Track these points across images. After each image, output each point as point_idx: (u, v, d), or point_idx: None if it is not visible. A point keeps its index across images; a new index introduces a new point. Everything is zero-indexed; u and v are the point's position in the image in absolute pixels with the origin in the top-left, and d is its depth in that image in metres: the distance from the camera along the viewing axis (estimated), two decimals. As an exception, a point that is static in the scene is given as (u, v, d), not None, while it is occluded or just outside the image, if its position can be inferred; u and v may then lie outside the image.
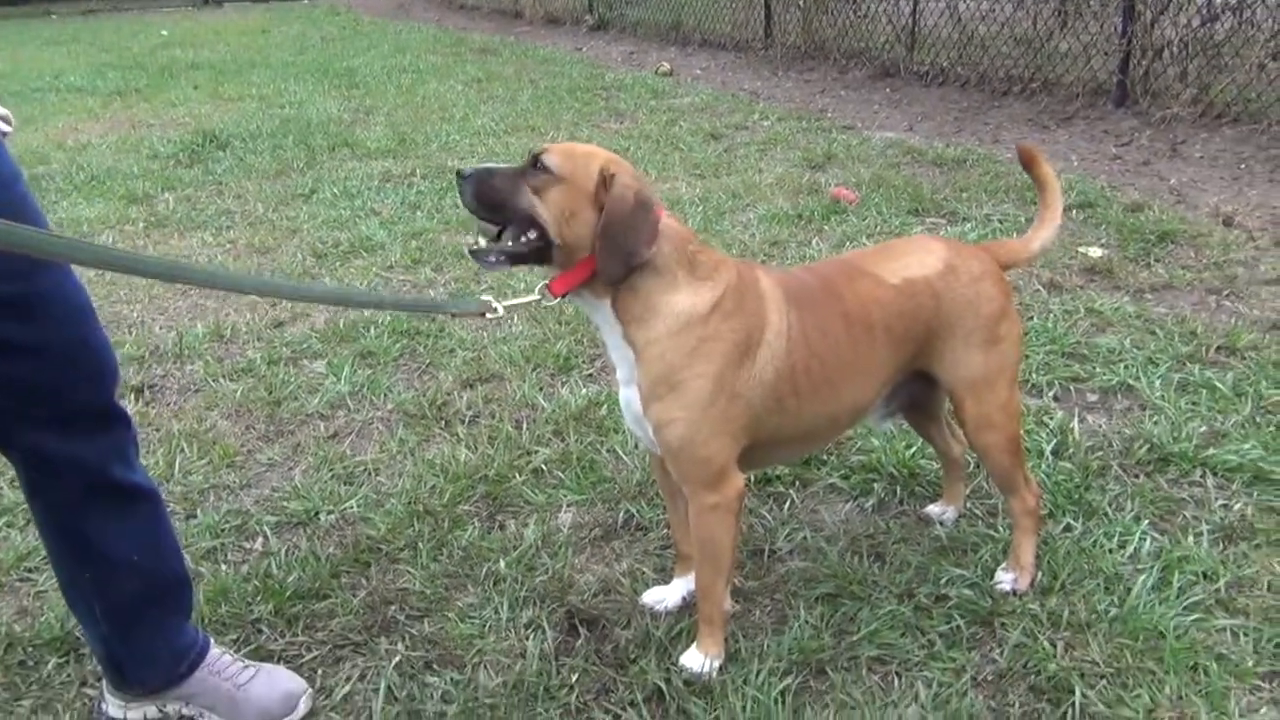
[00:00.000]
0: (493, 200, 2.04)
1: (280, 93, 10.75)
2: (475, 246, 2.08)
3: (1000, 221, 5.22)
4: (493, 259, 2.07)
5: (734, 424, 2.12)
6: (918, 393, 2.55)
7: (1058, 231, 2.54)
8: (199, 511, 3.06)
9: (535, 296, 2.12)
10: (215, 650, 2.31)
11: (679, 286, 2.07)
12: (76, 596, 2.16)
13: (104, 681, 2.28)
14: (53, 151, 8.07)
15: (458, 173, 2.07)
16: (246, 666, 2.30)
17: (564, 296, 2.09)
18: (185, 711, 2.27)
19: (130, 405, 3.69)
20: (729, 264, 2.16)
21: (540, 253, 2.05)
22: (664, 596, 2.55)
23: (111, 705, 2.28)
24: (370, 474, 3.24)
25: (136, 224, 6.14)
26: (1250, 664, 2.24)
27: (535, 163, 2.03)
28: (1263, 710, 2.12)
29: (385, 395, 3.76)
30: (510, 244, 2.05)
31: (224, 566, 2.80)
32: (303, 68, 12.67)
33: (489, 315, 2.18)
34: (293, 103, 10.11)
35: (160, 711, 2.27)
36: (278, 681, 2.29)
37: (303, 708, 2.27)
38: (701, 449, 2.11)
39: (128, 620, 2.16)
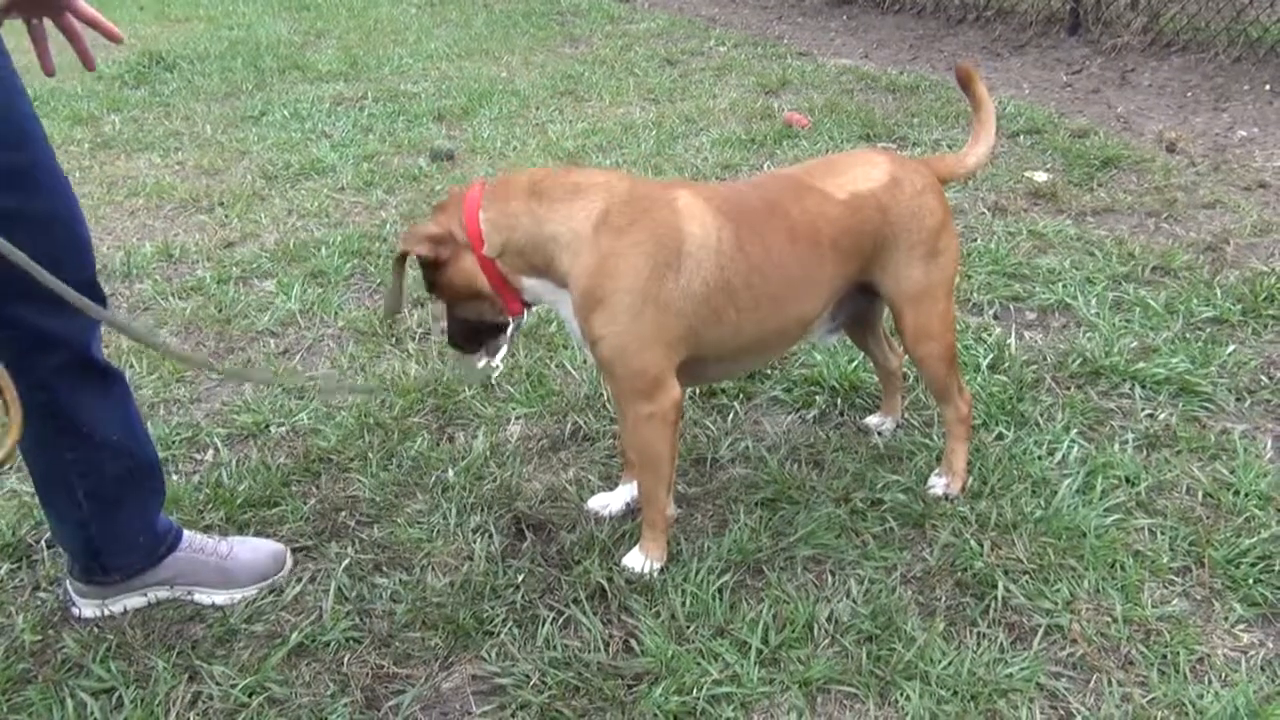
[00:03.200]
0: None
1: (228, 14, 10.53)
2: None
3: (949, 146, 5.27)
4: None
5: (667, 335, 2.16)
6: (860, 307, 2.61)
7: (991, 148, 2.59)
8: (149, 424, 3.06)
9: (509, 343, 2.39)
10: (188, 533, 2.38)
11: (547, 221, 2.14)
12: (56, 483, 2.17)
13: (70, 584, 2.31)
14: (-7, 71, 7.88)
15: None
16: (222, 540, 2.39)
17: (526, 306, 2.29)
18: (168, 595, 2.34)
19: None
20: (598, 182, 2.17)
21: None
22: (609, 502, 2.61)
23: (86, 607, 2.31)
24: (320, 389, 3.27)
25: (82, 145, 6.04)
26: (1165, 560, 2.35)
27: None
28: (1174, 602, 2.24)
29: (336, 313, 3.77)
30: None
31: (175, 476, 2.83)
32: (252, -11, 12.37)
33: (494, 377, 2.49)
34: (241, 24, 9.91)
35: (143, 598, 2.33)
36: (259, 545, 2.42)
37: (290, 562, 2.44)
38: (634, 360, 2.16)
39: (110, 502, 2.19)
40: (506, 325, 2.34)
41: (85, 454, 2.13)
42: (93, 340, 2.08)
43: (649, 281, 2.11)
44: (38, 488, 2.22)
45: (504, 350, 2.37)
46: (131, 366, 3.38)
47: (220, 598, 2.35)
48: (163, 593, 2.35)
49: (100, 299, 2.06)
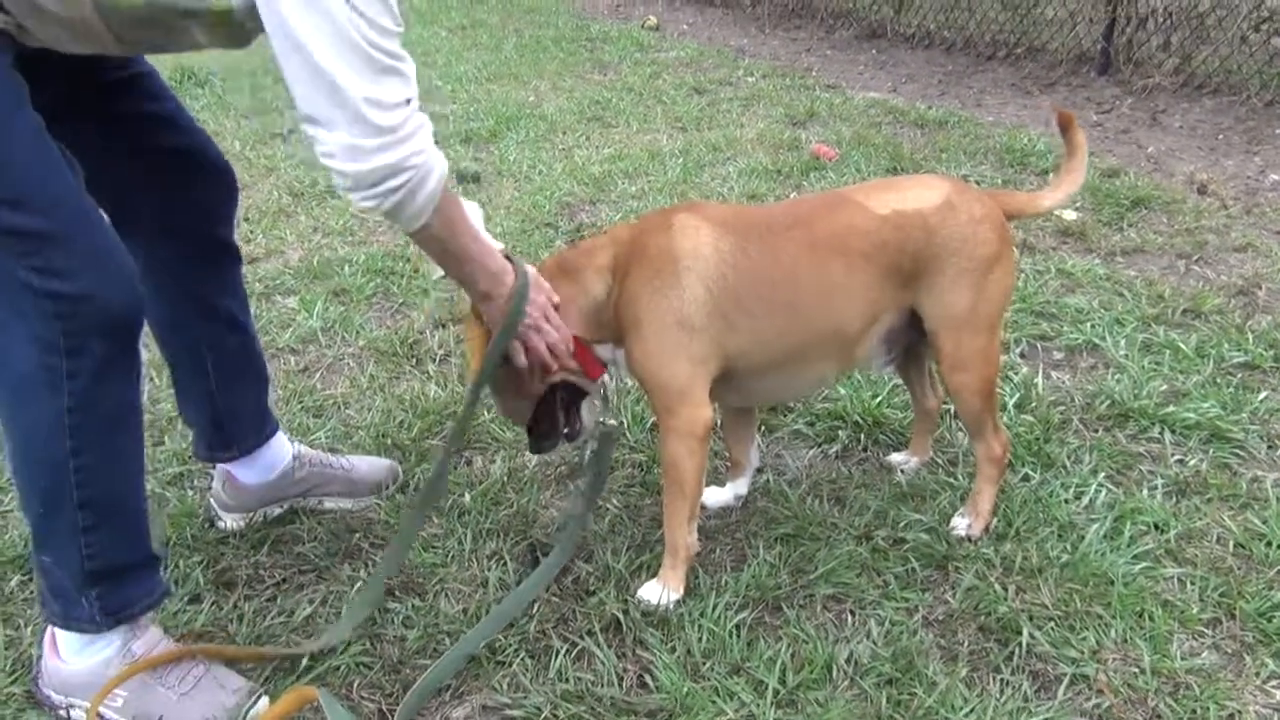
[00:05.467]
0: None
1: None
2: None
3: (977, 182, 5.24)
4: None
5: (687, 350, 2.23)
6: (913, 338, 2.57)
7: (1073, 195, 2.57)
8: (166, 439, 3.06)
9: (607, 405, 2.58)
10: (314, 451, 2.75)
11: (589, 286, 2.34)
12: (188, 359, 2.45)
13: (213, 501, 2.66)
14: (27, 83, 7.96)
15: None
16: (343, 458, 2.76)
17: (605, 368, 2.42)
18: (303, 504, 2.69)
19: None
20: (605, 239, 2.41)
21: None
22: (719, 497, 2.75)
23: (230, 520, 2.64)
24: (339, 407, 3.25)
25: (111, 157, 6.07)
26: (1195, 611, 2.29)
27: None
28: (1204, 654, 2.18)
29: (357, 332, 3.76)
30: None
31: (190, 492, 2.81)
32: (285, 8, 12.48)
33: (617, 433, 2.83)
34: (274, 43, 9.98)
35: (280, 508, 2.68)
36: (376, 461, 2.79)
37: (401, 476, 2.82)
38: (659, 373, 2.26)
39: (231, 374, 2.48)
40: (584, 394, 2.45)
41: (212, 328, 2.40)
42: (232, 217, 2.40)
43: (655, 301, 2.24)
44: (172, 369, 2.49)
45: (589, 421, 2.50)
46: (151, 380, 3.37)
47: (347, 504, 2.71)
48: (299, 503, 2.68)
49: None
